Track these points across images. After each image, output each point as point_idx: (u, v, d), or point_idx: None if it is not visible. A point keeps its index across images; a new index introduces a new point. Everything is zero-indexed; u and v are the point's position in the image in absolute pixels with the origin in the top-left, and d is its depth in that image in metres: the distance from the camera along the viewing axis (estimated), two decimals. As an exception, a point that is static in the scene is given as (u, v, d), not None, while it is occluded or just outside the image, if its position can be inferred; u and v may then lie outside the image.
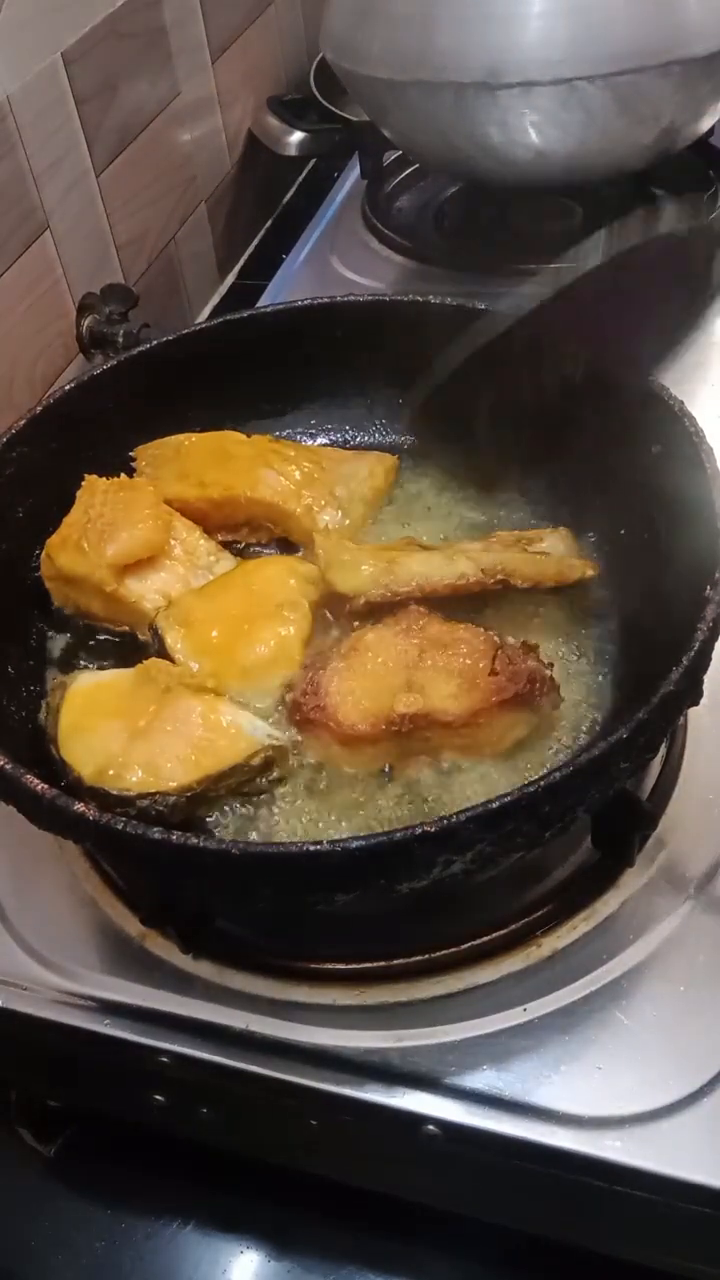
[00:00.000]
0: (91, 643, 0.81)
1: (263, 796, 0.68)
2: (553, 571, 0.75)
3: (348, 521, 0.82)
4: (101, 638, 0.81)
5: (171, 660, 0.73)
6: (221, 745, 0.66)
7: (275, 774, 0.68)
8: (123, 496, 0.80)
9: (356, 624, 0.73)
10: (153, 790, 0.64)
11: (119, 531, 0.77)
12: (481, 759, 0.68)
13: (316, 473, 0.83)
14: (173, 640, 0.74)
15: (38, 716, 0.72)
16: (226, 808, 0.68)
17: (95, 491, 0.80)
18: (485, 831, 0.55)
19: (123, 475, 0.84)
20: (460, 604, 0.75)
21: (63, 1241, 0.78)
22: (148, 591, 0.78)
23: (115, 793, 0.64)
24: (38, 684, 0.78)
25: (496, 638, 0.69)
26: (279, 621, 0.74)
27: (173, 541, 0.80)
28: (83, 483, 0.81)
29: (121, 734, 0.66)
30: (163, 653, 0.74)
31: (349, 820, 0.67)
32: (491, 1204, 0.70)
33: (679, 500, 0.70)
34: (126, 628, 0.80)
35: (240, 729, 0.67)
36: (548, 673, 0.68)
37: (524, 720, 0.67)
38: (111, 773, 0.64)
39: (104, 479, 0.82)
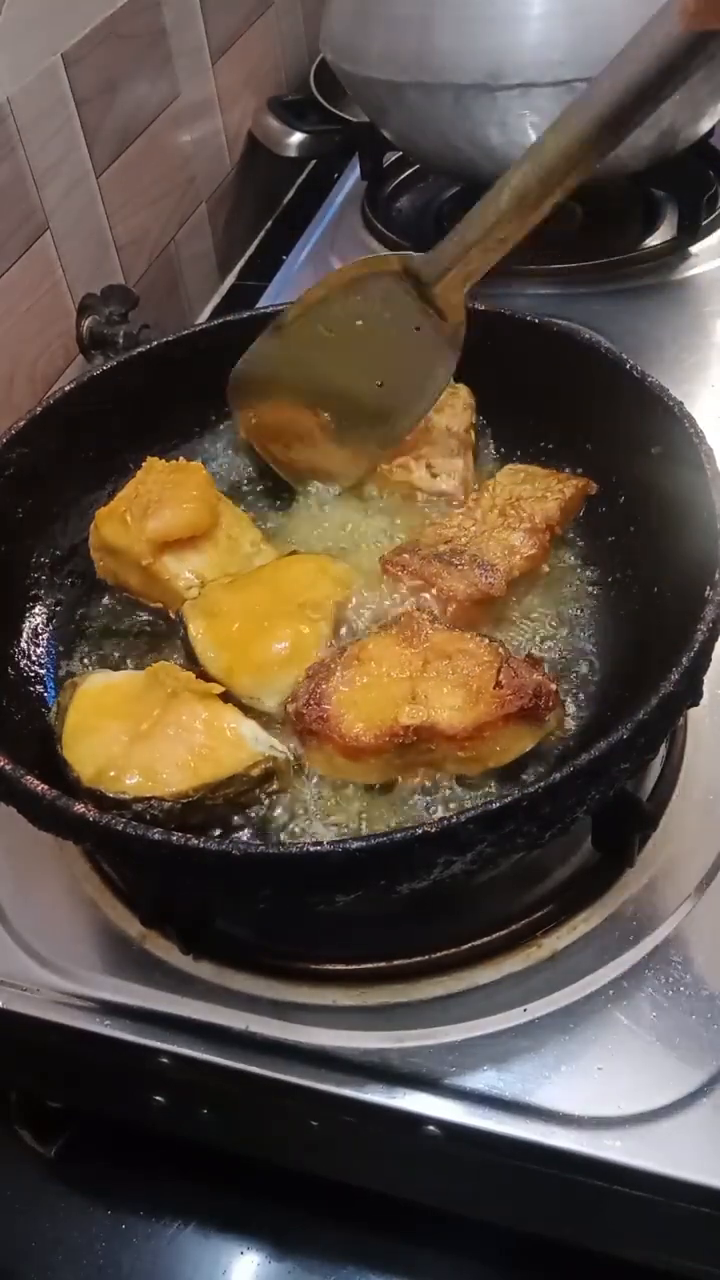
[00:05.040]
0: (95, 644, 0.81)
1: (266, 801, 0.68)
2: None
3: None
4: (106, 644, 0.81)
5: (191, 648, 0.74)
6: (222, 754, 0.66)
7: (274, 786, 0.68)
8: (175, 478, 0.81)
9: (368, 630, 0.73)
10: (148, 795, 0.64)
11: (163, 509, 0.79)
12: (485, 770, 0.67)
13: None
14: (195, 630, 0.74)
15: (41, 717, 0.72)
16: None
17: (152, 471, 0.82)
18: (485, 832, 0.55)
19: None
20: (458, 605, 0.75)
21: (63, 1241, 0.78)
22: (183, 571, 0.79)
23: (111, 795, 0.64)
24: (39, 685, 0.78)
25: (501, 649, 0.69)
26: (300, 621, 0.73)
27: (218, 527, 0.81)
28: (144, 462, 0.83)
29: (123, 736, 0.66)
30: (185, 640, 0.75)
31: (352, 825, 0.67)
32: (491, 1204, 0.70)
33: (679, 501, 0.70)
34: (160, 605, 0.81)
35: (242, 739, 0.67)
36: (553, 687, 0.67)
37: (528, 734, 0.67)
38: (111, 774, 0.64)
39: (162, 460, 0.83)
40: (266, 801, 0.68)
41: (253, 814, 0.67)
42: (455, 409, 0.85)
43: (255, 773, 0.66)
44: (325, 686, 0.68)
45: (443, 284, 0.74)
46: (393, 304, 0.76)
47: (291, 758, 0.68)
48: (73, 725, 0.68)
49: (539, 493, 0.79)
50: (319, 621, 0.73)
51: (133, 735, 0.66)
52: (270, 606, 0.74)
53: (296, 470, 0.87)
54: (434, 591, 0.74)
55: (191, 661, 0.74)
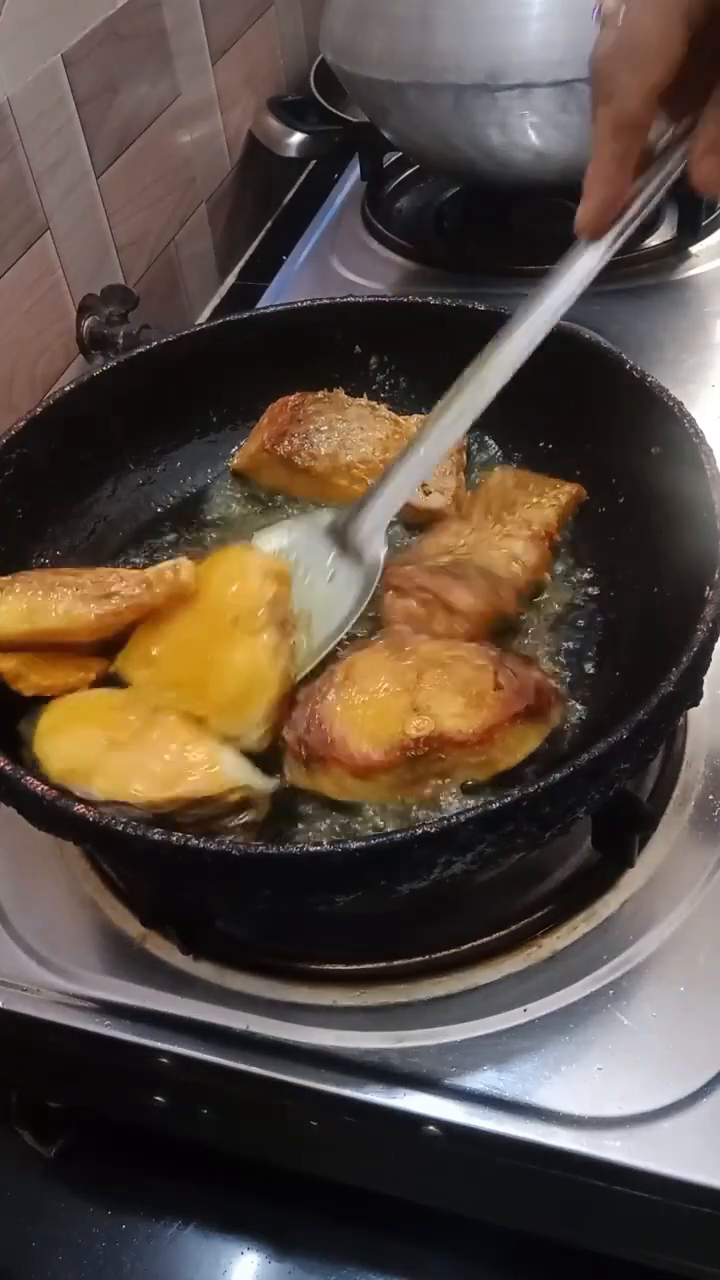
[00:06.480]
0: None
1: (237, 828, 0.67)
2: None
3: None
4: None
5: None
6: (195, 778, 0.62)
7: (247, 817, 0.64)
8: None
9: (342, 650, 0.71)
10: (118, 799, 0.61)
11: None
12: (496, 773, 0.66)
13: None
14: (140, 684, 0.69)
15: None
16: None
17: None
18: (485, 832, 0.55)
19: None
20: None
21: (63, 1241, 0.78)
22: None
23: (78, 793, 0.61)
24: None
25: (493, 651, 0.69)
26: (240, 644, 0.67)
27: None
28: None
29: (99, 743, 0.64)
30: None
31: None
32: (491, 1204, 0.70)
33: (679, 501, 0.70)
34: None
35: (219, 763, 0.63)
36: (552, 683, 0.67)
37: (534, 732, 0.66)
38: (79, 774, 0.62)
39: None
40: (236, 831, 0.64)
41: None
42: None
43: (232, 799, 0.63)
44: (322, 710, 0.66)
45: (369, 535, 0.73)
46: (313, 557, 0.75)
47: (270, 791, 0.65)
48: (45, 727, 0.66)
49: (533, 499, 0.79)
50: (260, 634, 0.68)
51: (109, 743, 0.64)
52: (205, 635, 0.68)
53: None
54: (444, 606, 0.72)
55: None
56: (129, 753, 0.63)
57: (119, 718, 0.66)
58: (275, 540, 0.76)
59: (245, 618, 0.67)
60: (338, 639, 0.72)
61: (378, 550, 0.74)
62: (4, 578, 0.70)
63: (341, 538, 0.75)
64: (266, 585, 0.69)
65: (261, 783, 0.65)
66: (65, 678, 0.68)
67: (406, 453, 0.73)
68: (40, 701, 0.68)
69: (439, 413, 0.71)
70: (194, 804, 0.62)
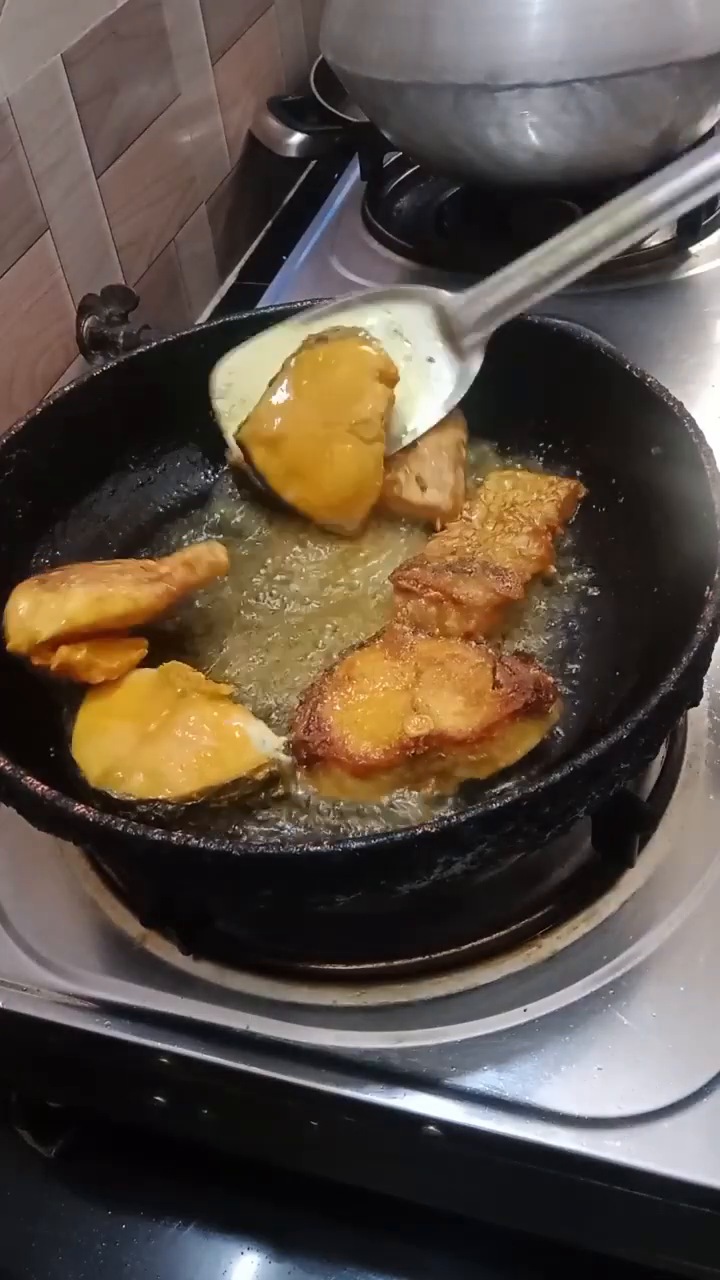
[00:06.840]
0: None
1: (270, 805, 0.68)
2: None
3: None
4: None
5: (259, 481, 0.79)
6: (228, 757, 0.65)
7: (278, 791, 0.67)
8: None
9: (339, 655, 0.72)
10: (153, 796, 0.64)
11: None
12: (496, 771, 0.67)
13: None
14: (261, 459, 0.77)
15: (44, 716, 0.71)
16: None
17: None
18: (485, 832, 0.55)
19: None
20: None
21: (63, 1241, 0.78)
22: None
23: (117, 796, 0.64)
24: (42, 684, 0.78)
25: (490, 649, 0.69)
26: (359, 445, 0.77)
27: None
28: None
29: (131, 737, 0.66)
30: (251, 467, 0.80)
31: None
32: (491, 1204, 0.70)
33: (679, 501, 0.70)
34: None
35: (249, 742, 0.66)
36: (550, 679, 0.67)
37: (534, 729, 0.67)
38: (118, 774, 0.64)
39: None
40: (271, 806, 0.67)
41: (259, 816, 0.67)
42: (444, 425, 0.85)
43: (260, 776, 0.66)
44: (322, 710, 0.66)
45: (474, 329, 0.77)
46: (417, 333, 0.79)
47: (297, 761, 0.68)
48: (82, 725, 0.68)
49: (532, 496, 0.79)
50: (375, 443, 0.78)
51: (140, 736, 0.66)
52: (326, 424, 0.77)
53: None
54: (453, 601, 0.72)
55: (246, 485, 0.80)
56: (161, 745, 0.66)
57: (148, 708, 0.68)
58: (384, 308, 0.80)
59: (364, 426, 0.78)
60: (416, 438, 0.79)
61: (476, 361, 0.77)
62: (56, 572, 0.73)
63: (448, 326, 0.77)
64: (384, 393, 0.78)
65: (289, 755, 0.67)
66: (126, 658, 0.71)
67: (535, 256, 0.75)
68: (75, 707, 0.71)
69: (575, 233, 0.74)
70: (226, 788, 0.65)
